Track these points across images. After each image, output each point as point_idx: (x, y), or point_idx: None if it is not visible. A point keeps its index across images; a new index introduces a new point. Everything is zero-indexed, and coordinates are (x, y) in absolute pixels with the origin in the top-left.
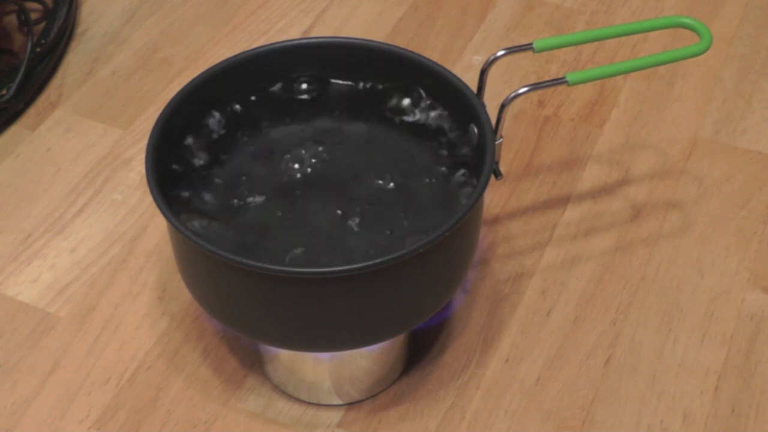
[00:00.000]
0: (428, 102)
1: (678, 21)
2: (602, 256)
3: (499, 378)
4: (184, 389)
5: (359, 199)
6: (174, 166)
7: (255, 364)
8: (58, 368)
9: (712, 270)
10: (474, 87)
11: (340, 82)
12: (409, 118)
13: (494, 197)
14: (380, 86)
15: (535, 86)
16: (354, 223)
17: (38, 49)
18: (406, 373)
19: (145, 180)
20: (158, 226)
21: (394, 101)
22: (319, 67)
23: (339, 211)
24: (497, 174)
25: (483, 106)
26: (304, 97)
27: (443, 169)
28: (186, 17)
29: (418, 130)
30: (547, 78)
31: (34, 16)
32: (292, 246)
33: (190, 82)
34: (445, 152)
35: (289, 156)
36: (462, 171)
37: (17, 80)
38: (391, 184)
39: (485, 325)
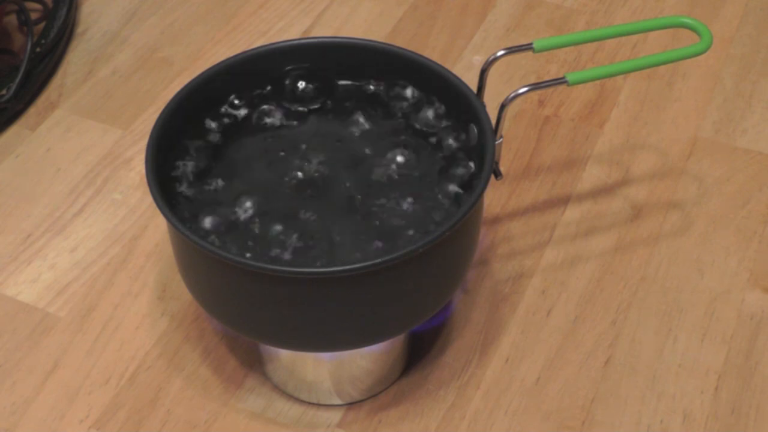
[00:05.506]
0: (428, 102)
1: (678, 21)
2: (602, 256)
3: (499, 378)
4: (184, 389)
5: (360, 199)
6: (174, 166)
7: (255, 364)
8: (58, 368)
9: (712, 270)
10: (474, 87)
11: (340, 82)
12: (408, 118)
13: (494, 197)
14: (380, 86)
15: (535, 86)
16: (354, 224)
17: (38, 49)
18: (406, 373)
19: (145, 180)
20: (158, 226)
21: (393, 101)
22: (318, 67)
23: (340, 212)
24: (497, 174)
25: (483, 106)
26: (305, 97)
27: (443, 168)
28: (186, 17)
29: (417, 129)
30: (547, 78)
31: (34, 16)
32: (292, 246)
33: (190, 82)
34: (444, 152)
35: (289, 156)
36: (462, 171)
37: (17, 80)
38: (390, 183)
39: (485, 325)
